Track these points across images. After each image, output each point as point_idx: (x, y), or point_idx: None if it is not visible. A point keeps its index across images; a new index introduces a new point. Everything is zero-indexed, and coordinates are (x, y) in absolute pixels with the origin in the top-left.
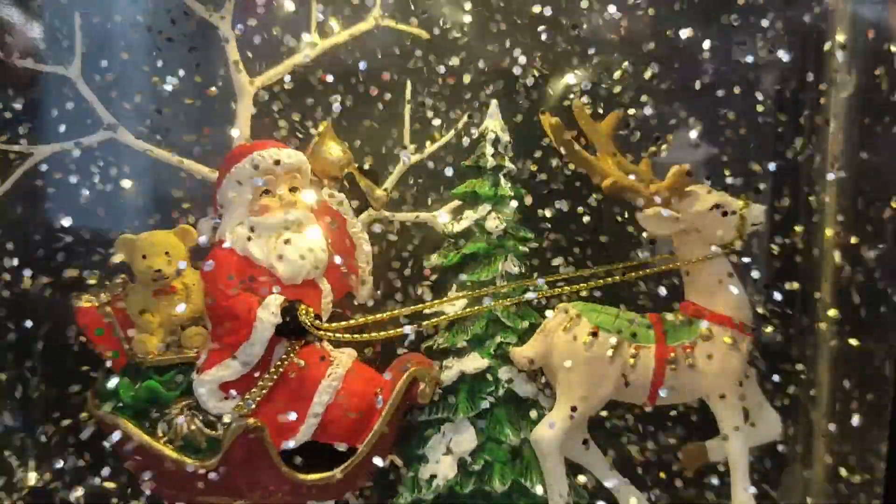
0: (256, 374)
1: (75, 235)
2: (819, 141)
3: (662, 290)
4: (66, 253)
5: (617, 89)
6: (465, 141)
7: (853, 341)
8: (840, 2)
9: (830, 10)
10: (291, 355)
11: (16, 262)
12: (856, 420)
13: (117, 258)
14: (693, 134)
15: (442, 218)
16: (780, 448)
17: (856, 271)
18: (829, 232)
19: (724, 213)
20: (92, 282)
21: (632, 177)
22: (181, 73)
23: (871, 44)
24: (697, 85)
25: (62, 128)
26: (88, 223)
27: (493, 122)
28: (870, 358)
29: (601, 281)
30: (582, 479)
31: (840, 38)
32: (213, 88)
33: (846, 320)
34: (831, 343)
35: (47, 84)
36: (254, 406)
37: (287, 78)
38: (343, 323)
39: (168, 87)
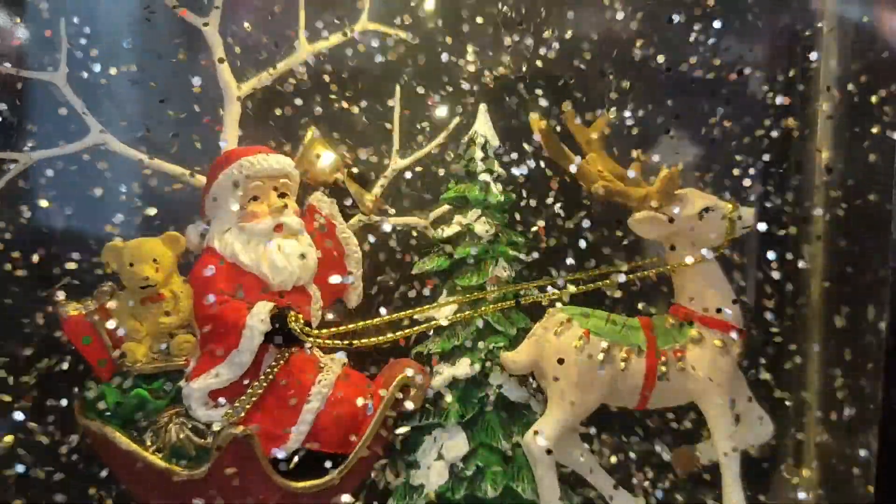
0: (246, 382)
1: (63, 241)
2: (807, 142)
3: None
4: (53, 259)
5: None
6: (455, 145)
7: (843, 340)
8: (826, 3)
9: (816, 12)
10: (281, 362)
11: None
12: (846, 421)
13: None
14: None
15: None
16: (771, 449)
17: (845, 271)
18: (817, 231)
19: (700, 216)
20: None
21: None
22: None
23: (857, 44)
24: (685, 86)
25: (48, 134)
26: (76, 229)
27: (483, 127)
28: (860, 358)
29: (592, 285)
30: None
31: (826, 35)
32: None
33: (835, 319)
34: (821, 343)
35: (33, 90)
36: (243, 414)
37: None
38: (333, 329)
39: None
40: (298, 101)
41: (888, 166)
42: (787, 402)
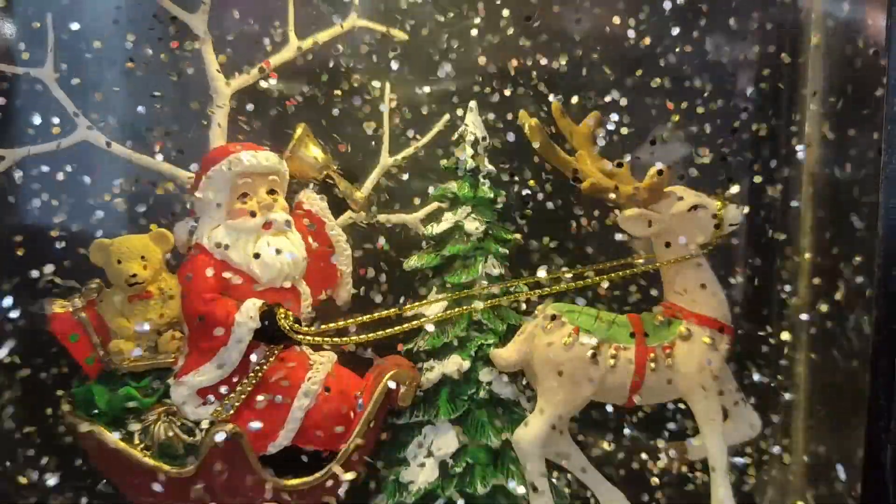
0: (235, 379)
1: (49, 239)
2: (794, 138)
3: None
4: (39, 257)
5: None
6: (445, 142)
7: (830, 336)
8: (816, 2)
9: (806, 11)
10: (270, 360)
11: None
12: (833, 418)
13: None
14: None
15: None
16: (759, 445)
17: (832, 268)
18: (805, 228)
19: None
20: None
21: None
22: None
23: (847, 42)
24: (676, 84)
25: (34, 130)
26: (63, 227)
27: (473, 124)
28: (847, 354)
29: (581, 282)
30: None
31: (815, 35)
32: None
33: (823, 317)
34: (809, 340)
35: (19, 86)
36: (232, 411)
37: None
38: (323, 326)
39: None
40: (288, 98)
41: (875, 163)
42: (777, 398)
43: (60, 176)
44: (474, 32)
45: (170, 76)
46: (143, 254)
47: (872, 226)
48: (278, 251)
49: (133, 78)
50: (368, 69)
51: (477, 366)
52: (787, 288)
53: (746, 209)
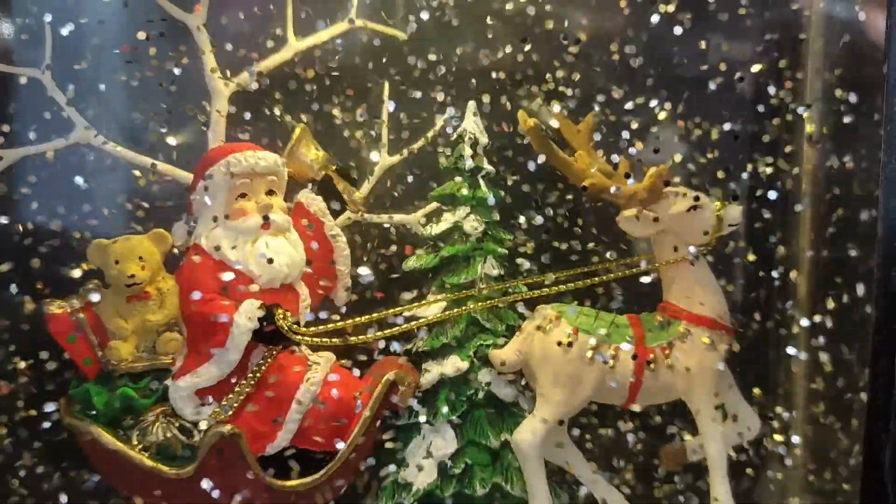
0: (233, 380)
1: (47, 239)
2: (794, 140)
3: None
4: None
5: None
6: (443, 143)
7: (829, 336)
8: (815, 2)
9: (805, 11)
10: (269, 360)
11: None
12: (833, 418)
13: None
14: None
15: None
16: (758, 447)
17: (832, 267)
18: (804, 228)
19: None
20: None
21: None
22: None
23: (847, 42)
24: (674, 85)
25: (32, 131)
26: (61, 227)
27: (472, 124)
28: (845, 355)
29: (581, 282)
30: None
31: (814, 36)
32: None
33: (822, 317)
34: (808, 340)
35: (16, 86)
36: (231, 412)
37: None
38: (321, 327)
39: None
40: (286, 98)
41: (875, 163)
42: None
43: (58, 176)
44: (473, 41)
45: (162, 86)
46: (142, 254)
47: (872, 226)
48: (277, 253)
49: (131, 78)
50: (367, 69)
51: (476, 366)
52: (787, 288)
53: (741, 220)
